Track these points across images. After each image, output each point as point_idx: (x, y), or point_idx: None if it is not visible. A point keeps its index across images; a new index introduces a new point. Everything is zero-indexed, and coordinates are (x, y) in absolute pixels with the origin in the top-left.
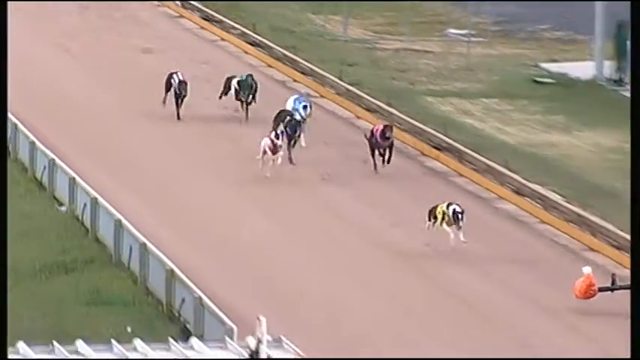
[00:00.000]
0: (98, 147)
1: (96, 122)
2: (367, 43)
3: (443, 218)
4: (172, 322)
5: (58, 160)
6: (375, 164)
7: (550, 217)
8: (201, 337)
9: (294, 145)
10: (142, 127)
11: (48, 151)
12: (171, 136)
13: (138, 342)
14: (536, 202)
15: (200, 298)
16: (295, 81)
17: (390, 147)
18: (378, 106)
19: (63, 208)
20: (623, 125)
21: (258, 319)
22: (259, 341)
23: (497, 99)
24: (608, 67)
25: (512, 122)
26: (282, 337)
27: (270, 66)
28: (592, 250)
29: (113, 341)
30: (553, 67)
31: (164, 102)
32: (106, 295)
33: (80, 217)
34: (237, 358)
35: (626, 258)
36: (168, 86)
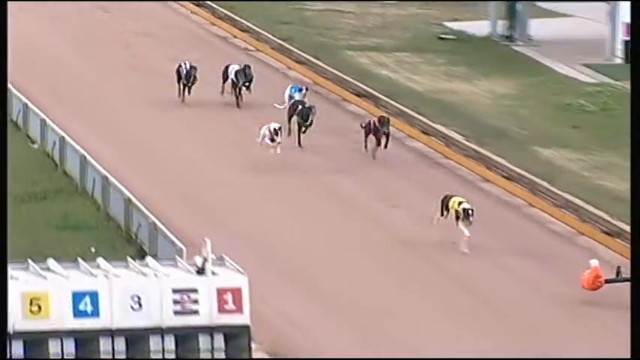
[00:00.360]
0: (66, 92)
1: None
2: (297, 5)
3: (456, 215)
4: (130, 244)
5: (30, 104)
6: (366, 146)
7: (452, 152)
8: (155, 257)
9: (304, 131)
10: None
11: (22, 97)
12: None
13: (101, 260)
14: (440, 140)
15: (154, 223)
16: (235, 37)
17: (387, 135)
18: (306, 58)
19: (35, 146)
20: (514, 75)
21: (203, 240)
22: (205, 260)
23: (408, 53)
24: (501, 26)
25: (421, 72)
26: (224, 256)
27: (213, 24)
28: (487, 181)
29: (79, 260)
30: (455, 25)
31: (179, 95)
32: (73, 220)
33: (50, 154)
34: (184, 272)
35: (515, 188)
36: (179, 76)
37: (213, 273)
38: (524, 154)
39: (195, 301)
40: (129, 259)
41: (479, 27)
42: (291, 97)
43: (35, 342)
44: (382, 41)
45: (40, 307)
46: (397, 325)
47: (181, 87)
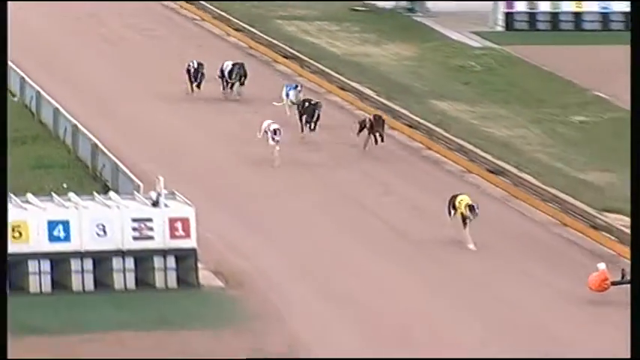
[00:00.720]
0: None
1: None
2: None
3: (462, 214)
4: (96, 181)
5: (10, 64)
6: (358, 134)
7: (364, 105)
8: (116, 191)
9: (314, 129)
10: None
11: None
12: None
13: (71, 194)
14: (355, 95)
15: (116, 164)
16: (182, 7)
17: (381, 136)
18: (242, 26)
19: (15, 99)
20: (415, 41)
21: (157, 178)
22: (158, 194)
23: (328, 22)
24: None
25: (339, 39)
26: (175, 191)
27: None
28: (393, 128)
29: (53, 194)
30: (367, 1)
31: (192, 90)
32: (48, 161)
33: (28, 105)
34: (141, 204)
35: (416, 134)
36: (189, 73)
37: (166, 205)
38: (423, 106)
39: (151, 229)
40: (95, 193)
41: (386, 2)
42: (287, 95)
43: (17, 262)
44: (306, 12)
45: (20, 234)
46: (325, 254)
47: (190, 84)
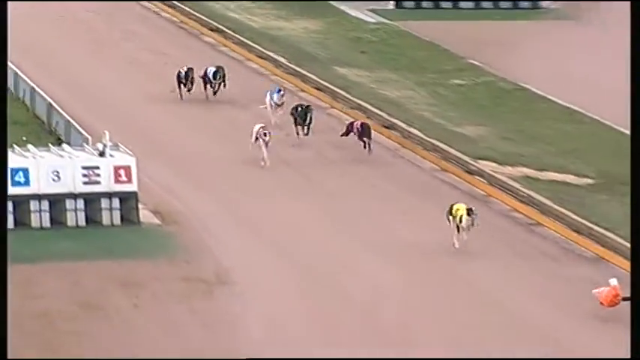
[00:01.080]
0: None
1: None
2: None
3: (460, 220)
4: (51, 135)
5: None
6: (344, 134)
7: (279, 71)
8: (68, 144)
9: (307, 133)
10: None
11: None
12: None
13: (30, 146)
14: (271, 62)
15: (68, 121)
16: None
17: (368, 138)
18: (173, 4)
19: None
20: (320, 17)
21: (103, 132)
22: (104, 146)
23: (246, 0)
24: None
25: (256, 15)
26: (119, 143)
27: None
28: (302, 90)
29: (15, 146)
30: None
31: (181, 96)
32: (9, 118)
33: None
34: (90, 155)
35: (321, 95)
36: (179, 78)
37: (111, 155)
38: (328, 72)
39: (98, 175)
40: (50, 145)
41: None
42: (271, 98)
43: None
44: None
45: None
46: (250, 196)
47: (181, 89)
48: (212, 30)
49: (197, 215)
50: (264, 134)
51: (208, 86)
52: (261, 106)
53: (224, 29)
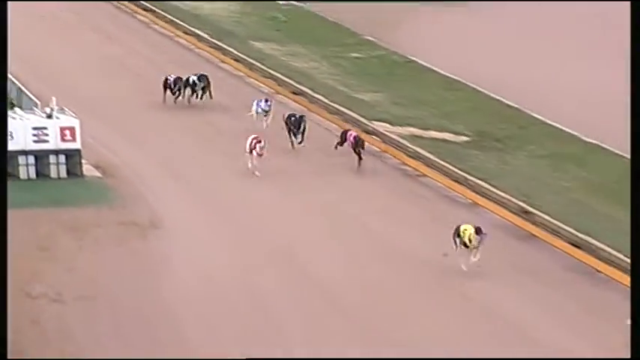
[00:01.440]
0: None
1: None
2: None
3: (469, 240)
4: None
5: None
6: (336, 146)
7: (202, 45)
8: (20, 107)
9: (301, 142)
10: None
11: None
12: None
13: None
14: (196, 37)
15: (20, 88)
16: None
17: (360, 149)
18: None
19: None
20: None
21: (51, 98)
22: (52, 109)
23: None
24: None
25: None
26: (64, 107)
27: None
28: (223, 62)
29: None
30: None
31: (165, 100)
32: None
33: None
34: (39, 117)
35: (240, 66)
36: (166, 85)
37: (57, 117)
38: (245, 46)
39: (46, 134)
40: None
41: None
42: (258, 106)
43: None
44: None
45: None
46: (181, 154)
47: (164, 94)
48: (145, 10)
49: (133, 170)
50: (256, 145)
51: (194, 94)
52: (248, 114)
53: (155, 9)
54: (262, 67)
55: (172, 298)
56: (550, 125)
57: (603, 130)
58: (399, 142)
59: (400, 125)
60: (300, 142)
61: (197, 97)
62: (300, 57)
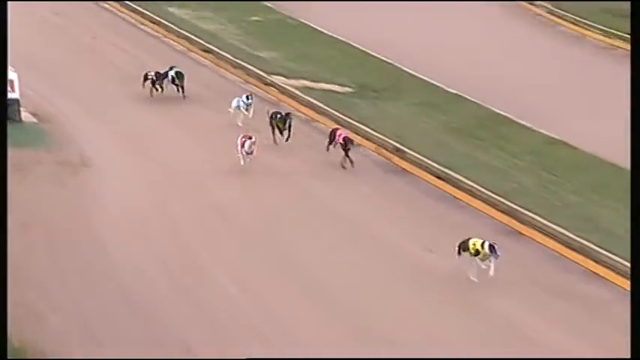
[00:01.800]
0: None
1: None
2: None
3: (477, 253)
4: None
5: None
6: (328, 148)
7: (124, 9)
8: None
9: (287, 139)
10: None
11: None
12: None
13: None
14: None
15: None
16: None
17: (348, 149)
18: None
19: None
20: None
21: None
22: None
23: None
24: None
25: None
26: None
27: None
28: (142, 24)
29: None
30: None
31: (152, 94)
32: None
33: None
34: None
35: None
36: (145, 79)
37: None
38: (161, 10)
39: None
40: None
41: None
42: (239, 103)
43: None
44: None
45: None
46: (113, 101)
47: (151, 90)
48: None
49: (67, 117)
50: (245, 142)
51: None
52: (229, 109)
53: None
54: (176, 28)
55: (99, 224)
56: (420, 78)
57: (463, 81)
58: (293, 92)
59: (294, 78)
60: (286, 140)
61: (178, 89)
62: (208, 20)
